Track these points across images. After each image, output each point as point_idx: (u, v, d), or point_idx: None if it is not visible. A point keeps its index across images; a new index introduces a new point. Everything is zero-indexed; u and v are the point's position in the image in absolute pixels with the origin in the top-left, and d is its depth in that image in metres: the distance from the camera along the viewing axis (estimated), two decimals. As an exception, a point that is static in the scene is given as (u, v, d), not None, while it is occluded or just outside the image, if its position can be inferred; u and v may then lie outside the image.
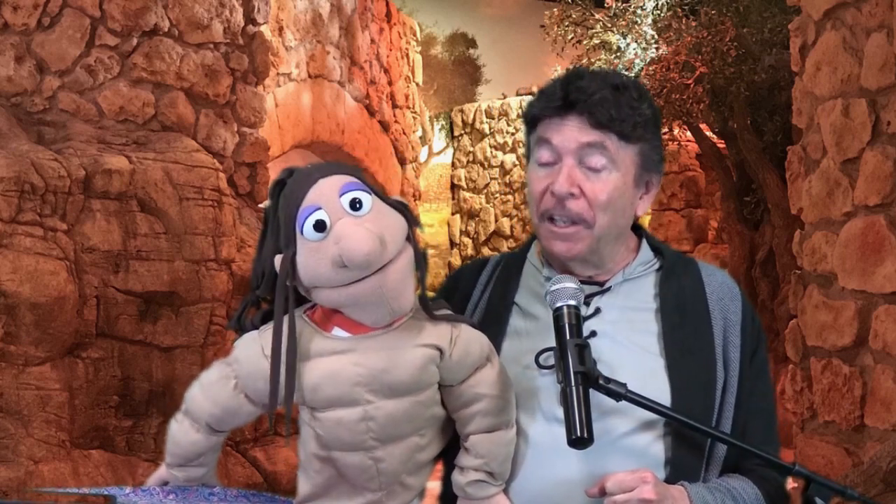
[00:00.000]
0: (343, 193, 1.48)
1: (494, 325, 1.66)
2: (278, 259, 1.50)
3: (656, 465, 1.55)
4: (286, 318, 1.50)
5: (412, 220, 1.54)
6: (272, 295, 1.53)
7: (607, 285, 1.67)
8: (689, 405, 1.56)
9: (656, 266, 1.72)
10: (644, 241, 1.74)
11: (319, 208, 1.46)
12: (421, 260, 1.53)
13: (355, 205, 1.47)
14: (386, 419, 1.49)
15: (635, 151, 1.63)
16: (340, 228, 1.44)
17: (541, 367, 1.58)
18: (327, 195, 1.47)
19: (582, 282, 1.62)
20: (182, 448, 1.62)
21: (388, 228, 1.48)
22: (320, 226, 1.45)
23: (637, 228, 1.75)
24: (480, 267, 1.80)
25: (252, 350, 1.54)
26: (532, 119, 1.67)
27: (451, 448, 1.60)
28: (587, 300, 1.64)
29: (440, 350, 1.51)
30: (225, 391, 1.58)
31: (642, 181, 1.67)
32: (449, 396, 1.55)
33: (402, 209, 1.53)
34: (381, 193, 1.53)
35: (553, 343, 1.54)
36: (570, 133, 1.60)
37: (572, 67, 1.68)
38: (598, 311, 1.65)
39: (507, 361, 1.60)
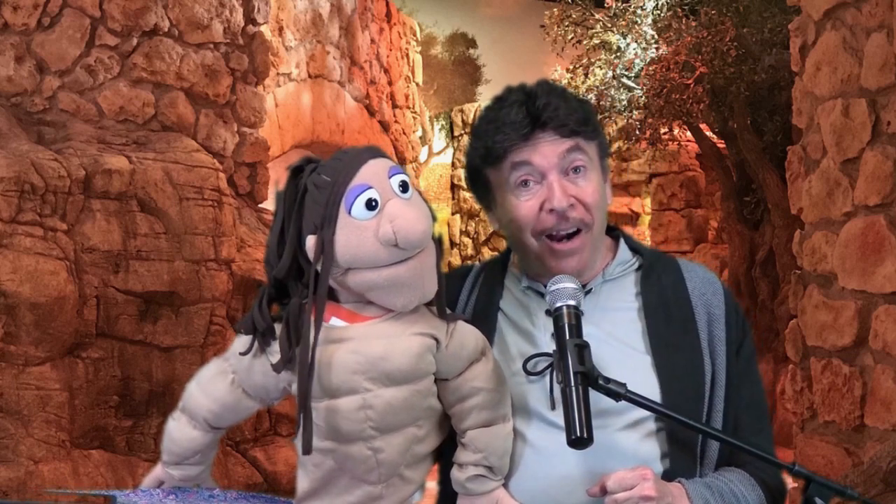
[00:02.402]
0: (392, 175, 1.50)
1: (482, 331, 1.65)
2: (311, 240, 1.49)
3: (650, 462, 1.56)
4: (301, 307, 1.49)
5: (433, 213, 1.56)
6: (289, 281, 1.52)
7: (588, 287, 1.67)
8: (678, 400, 1.57)
9: (636, 265, 1.73)
10: (622, 242, 1.75)
11: (371, 187, 1.47)
12: (440, 249, 1.56)
13: (404, 187, 1.49)
14: (384, 407, 1.49)
15: (596, 145, 1.68)
16: (393, 208, 1.46)
17: (528, 373, 1.59)
18: (379, 175, 1.49)
19: None
20: (179, 446, 1.62)
21: (427, 213, 1.51)
22: (371, 204, 1.46)
23: (612, 230, 1.76)
24: (465, 274, 1.80)
25: (248, 345, 1.54)
26: (500, 154, 1.64)
27: (448, 449, 1.60)
28: None
29: (436, 340, 1.52)
30: (222, 387, 1.58)
31: (603, 170, 1.71)
32: (445, 391, 1.56)
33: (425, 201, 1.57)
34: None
35: (540, 350, 1.58)
36: (547, 148, 1.61)
37: (506, 91, 1.69)
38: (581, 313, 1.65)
39: None
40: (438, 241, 1.55)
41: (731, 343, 1.66)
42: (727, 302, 1.69)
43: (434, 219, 1.54)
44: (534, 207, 1.62)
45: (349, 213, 1.46)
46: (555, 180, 1.61)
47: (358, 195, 1.46)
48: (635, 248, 1.75)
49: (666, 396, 1.57)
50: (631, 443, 1.57)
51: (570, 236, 1.63)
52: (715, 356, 1.64)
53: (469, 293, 1.75)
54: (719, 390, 1.62)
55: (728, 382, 1.63)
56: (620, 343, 1.63)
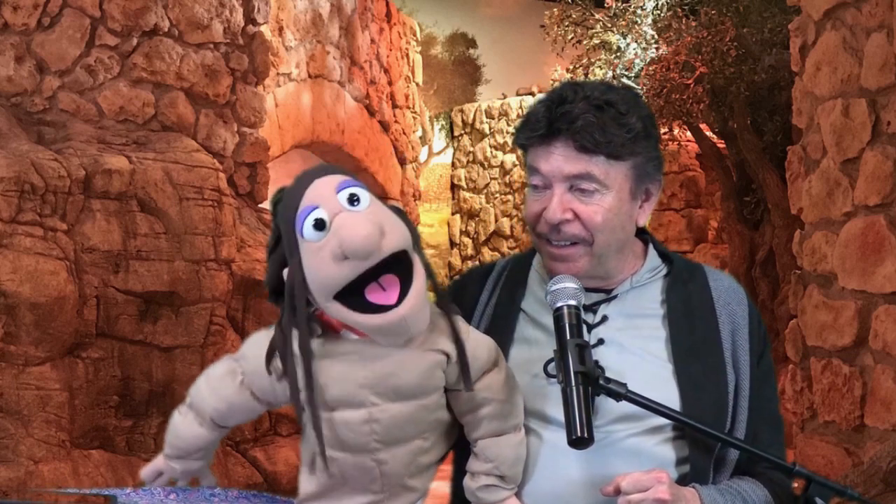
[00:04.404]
0: (340, 190, 1.46)
1: (502, 332, 1.65)
2: (286, 273, 1.47)
3: (665, 467, 1.55)
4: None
5: (411, 226, 1.51)
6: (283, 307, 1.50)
7: (614, 293, 1.67)
8: (699, 410, 1.56)
9: (664, 272, 1.72)
10: (651, 247, 1.73)
11: (317, 207, 1.44)
12: (428, 268, 1.50)
13: (353, 200, 1.45)
14: (390, 422, 1.49)
15: (628, 167, 1.61)
16: (339, 221, 1.42)
17: (549, 375, 1.57)
18: (325, 193, 1.46)
19: (589, 289, 1.62)
20: (184, 441, 1.62)
21: (387, 222, 1.45)
22: (320, 224, 1.43)
23: (643, 233, 1.74)
24: (487, 272, 1.79)
25: (260, 348, 1.54)
26: (521, 146, 1.67)
27: (462, 453, 1.60)
28: (594, 308, 1.64)
29: (447, 355, 1.51)
30: (231, 387, 1.58)
31: (639, 191, 1.65)
32: (456, 401, 1.55)
33: (399, 214, 1.51)
34: (378, 196, 1.51)
35: None
36: (557, 162, 1.59)
37: (558, 86, 1.67)
38: (604, 318, 1.64)
39: (516, 369, 1.60)
40: (423, 260, 1.51)
41: (753, 354, 1.66)
42: (750, 312, 1.69)
43: (412, 232, 1.50)
44: (537, 211, 1.63)
45: (303, 236, 1.44)
46: (557, 193, 1.60)
47: (305, 217, 1.44)
48: (664, 255, 1.74)
49: (686, 405, 1.56)
50: (648, 447, 1.57)
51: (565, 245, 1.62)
52: (738, 366, 1.64)
53: (490, 293, 1.75)
54: (743, 401, 1.62)
55: (750, 394, 1.63)
56: (642, 351, 1.62)
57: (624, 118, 1.59)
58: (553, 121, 1.59)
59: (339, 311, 1.45)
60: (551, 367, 1.55)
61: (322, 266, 1.42)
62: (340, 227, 1.41)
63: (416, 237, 1.50)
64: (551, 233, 1.61)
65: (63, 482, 4.79)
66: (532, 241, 1.70)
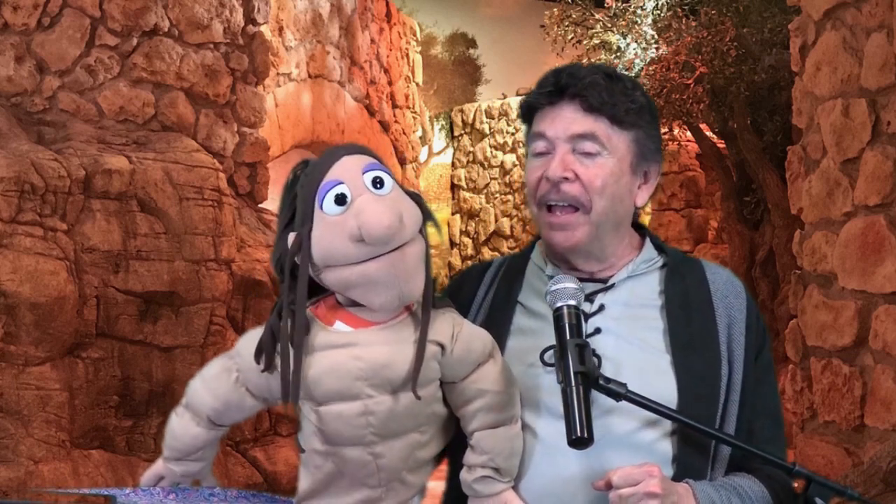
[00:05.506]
0: (366, 171, 1.48)
1: (499, 324, 1.66)
2: (292, 236, 1.49)
3: (662, 463, 1.55)
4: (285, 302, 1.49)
5: (427, 213, 1.53)
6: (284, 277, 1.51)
7: (611, 282, 1.67)
8: (694, 402, 1.56)
9: (660, 263, 1.72)
10: (647, 240, 1.74)
11: (341, 183, 1.46)
12: (428, 262, 1.53)
13: (377, 183, 1.47)
14: (386, 414, 1.49)
15: (630, 138, 1.64)
16: (361, 203, 1.44)
17: (546, 364, 1.57)
18: (350, 171, 1.48)
19: (585, 279, 1.62)
20: (181, 442, 1.62)
21: (407, 210, 1.48)
22: (341, 199, 1.45)
23: (640, 227, 1.75)
24: (484, 269, 1.80)
25: (254, 344, 1.54)
26: (528, 110, 1.69)
27: (458, 448, 1.60)
28: (591, 297, 1.64)
29: (441, 346, 1.51)
30: (226, 385, 1.58)
31: (640, 170, 1.67)
32: (451, 394, 1.55)
33: (417, 200, 1.53)
34: (399, 182, 1.53)
35: None
36: (562, 123, 1.62)
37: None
38: (602, 307, 1.65)
39: (512, 359, 1.60)
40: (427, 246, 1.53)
41: (750, 348, 1.65)
42: (749, 307, 1.69)
43: (431, 217, 1.53)
44: (538, 175, 1.64)
45: (322, 208, 1.46)
46: (560, 153, 1.62)
47: (328, 191, 1.46)
48: (660, 248, 1.75)
49: (683, 397, 1.57)
50: (646, 442, 1.57)
51: (564, 210, 1.63)
52: (732, 360, 1.63)
53: (487, 288, 1.75)
54: (734, 395, 1.62)
55: (744, 389, 1.62)
56: (639, 341, 1.62)
57: (630, 91, 1.64)
58: (561, 79, 1.63)
59: (334, 272, 1.47)
60: (548, 356, 1.55)
61: (336, 242, 1.45)
62: (362, 210, 1.43)
63: (425, 222, 1.52)
64: (551, 192, 1.62)
65: (63, 482, 4.79)
66: (533, 218, 1.70)
